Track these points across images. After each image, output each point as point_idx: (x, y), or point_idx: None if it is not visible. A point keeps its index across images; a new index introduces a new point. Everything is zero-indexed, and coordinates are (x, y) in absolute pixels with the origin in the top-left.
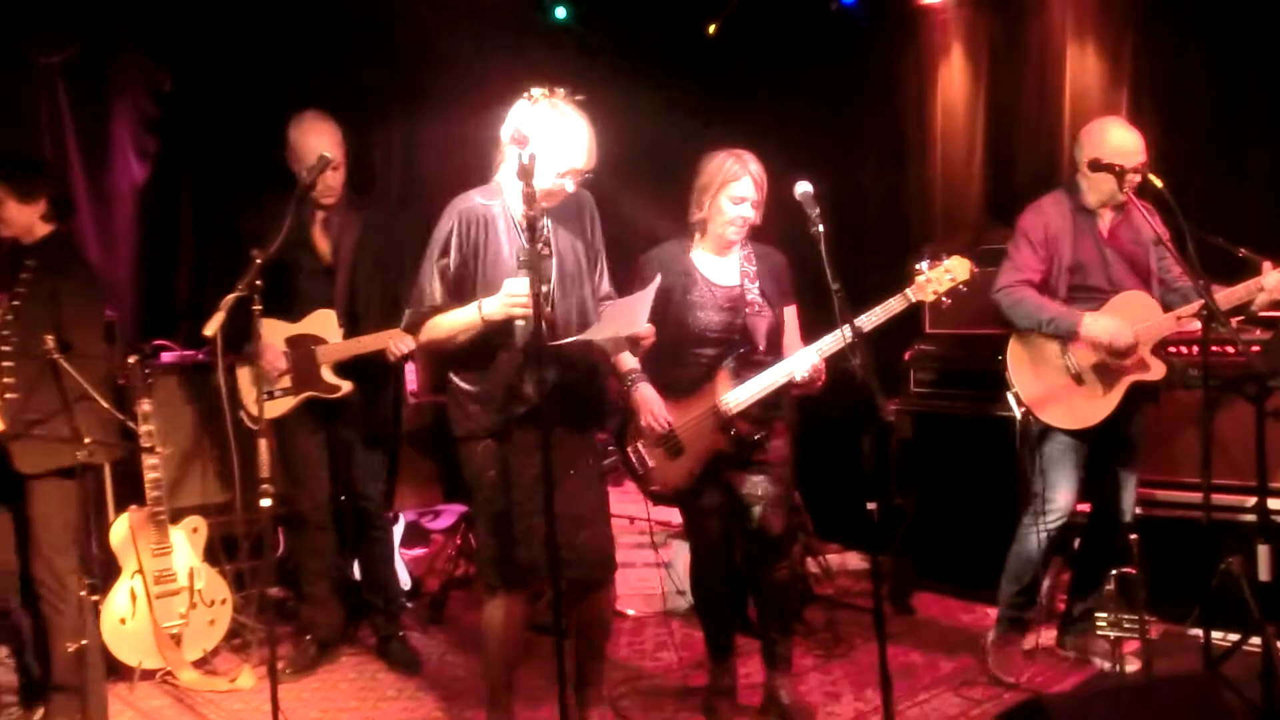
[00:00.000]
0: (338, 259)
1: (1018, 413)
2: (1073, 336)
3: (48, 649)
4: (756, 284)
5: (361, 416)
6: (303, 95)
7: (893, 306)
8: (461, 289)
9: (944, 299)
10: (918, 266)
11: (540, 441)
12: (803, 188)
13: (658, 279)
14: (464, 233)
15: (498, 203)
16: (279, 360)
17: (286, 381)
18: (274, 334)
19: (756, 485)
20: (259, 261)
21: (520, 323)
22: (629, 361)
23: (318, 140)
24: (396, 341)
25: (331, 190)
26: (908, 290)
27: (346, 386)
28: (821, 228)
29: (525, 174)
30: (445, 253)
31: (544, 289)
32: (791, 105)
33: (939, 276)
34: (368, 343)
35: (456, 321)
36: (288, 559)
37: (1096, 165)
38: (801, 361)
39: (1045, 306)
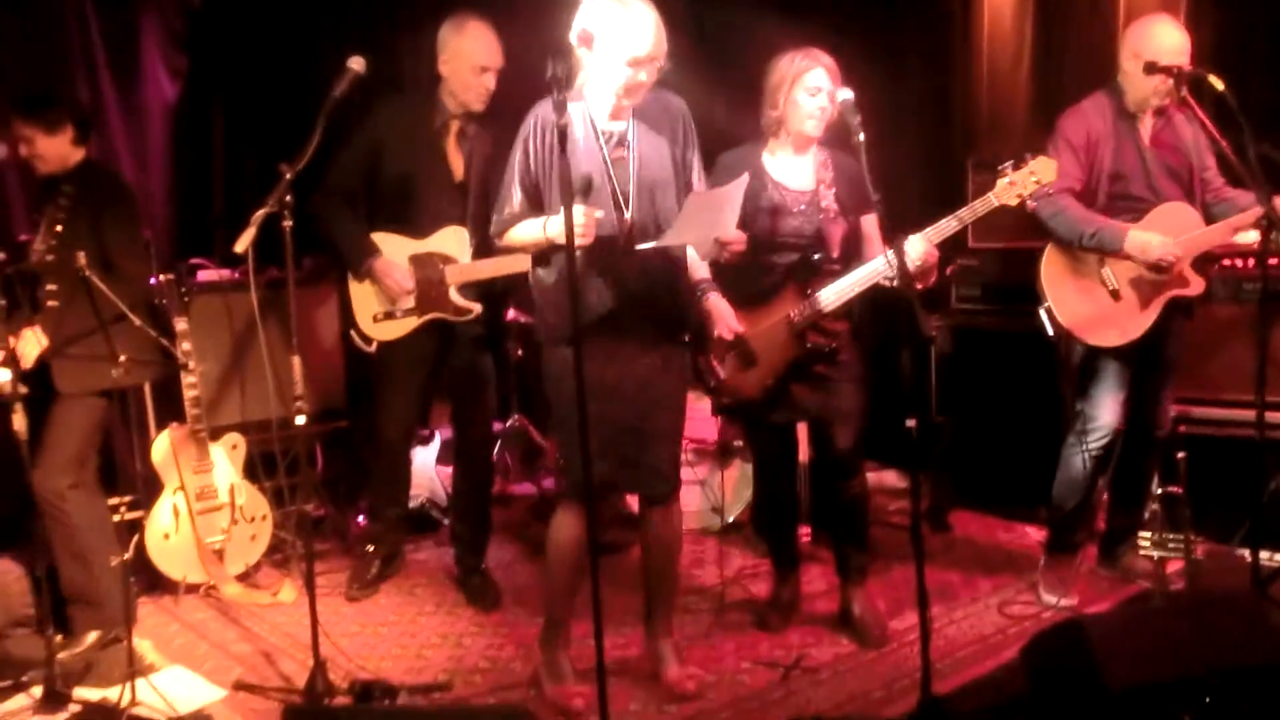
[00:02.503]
0: (469, 174)
1: (1049, 329)
2: (1117, 251)
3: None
4: (833, 190)
5: (481, 344)
6: (331, 6)
7: (977, 209)
8: (540, 195)
9: (1029, 200)
10: (1000, 168)
11: (615, 351)
12: (844, 94)
13: (744, 177)
14: (539, 138)
15: (577, 106)
16: (404, 279)
17: (410, 301)
18: (397, 251)
19: (828, 400)
20: (288, 177)
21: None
22: (700, 270)
23: (480, 46)
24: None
25: (481, 98)
26: (990, 194)
27: (476, 309)
28: (863, 136)
29: (556, 83)
30: (526, 158)
31: (627, 192)
32: (833, 11)
33: (1023, 179)
34: (506, 264)
35: (527, 235)
36: (330, 476)
37: (1152, 68)
38: (914, 248)
39: (1090, 219)
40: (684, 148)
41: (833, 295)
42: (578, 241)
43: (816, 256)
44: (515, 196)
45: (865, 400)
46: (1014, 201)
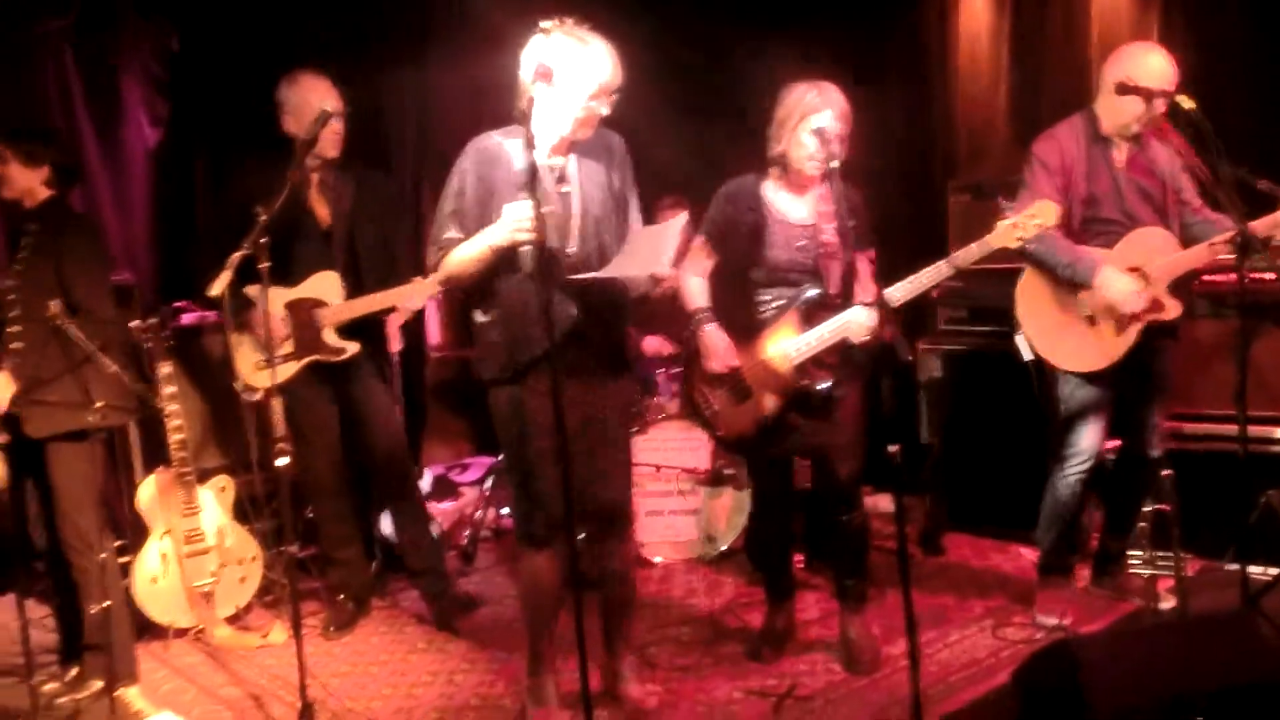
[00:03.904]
0: (335, 221)
1: (1026, 355)
2: (1088, 285)
3: (78, 611)
4: (833, 223)
5: (372, 376)
6: (311, 52)
7: (973, 253)
8: (479, 224)
9: (1028, 245)
10: (1002, 209)
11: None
12: (818, 121)
13: (683, 216)
14: (480, 169)
15: (516, 142)
16: (278, 326)
17: (288, 347)
18: (273, 300)
19: (827, 432)
20: (264, 219)
21: (526, 248)
22: (697, 300)
23: (316, 96)
24: (407, 298)
25: (335, 144)
26: (988, 237)
27: (353, 348)
28: (837, 163)
29: (524, 118)
30: (461, 190)
31: (570, 226)
32: (811, 36)
33: (1024, 221)
34: (378, 300)
35: (467, 254)
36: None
37: (1124, 88)
38: (858, 317)
39: (1068, 250)
40: (623, 183)
41: (800, 346)
42: (525, 237)
43: (814, 292)
44: (452, 227)
45: (864, 431)
46: (1014, 244)
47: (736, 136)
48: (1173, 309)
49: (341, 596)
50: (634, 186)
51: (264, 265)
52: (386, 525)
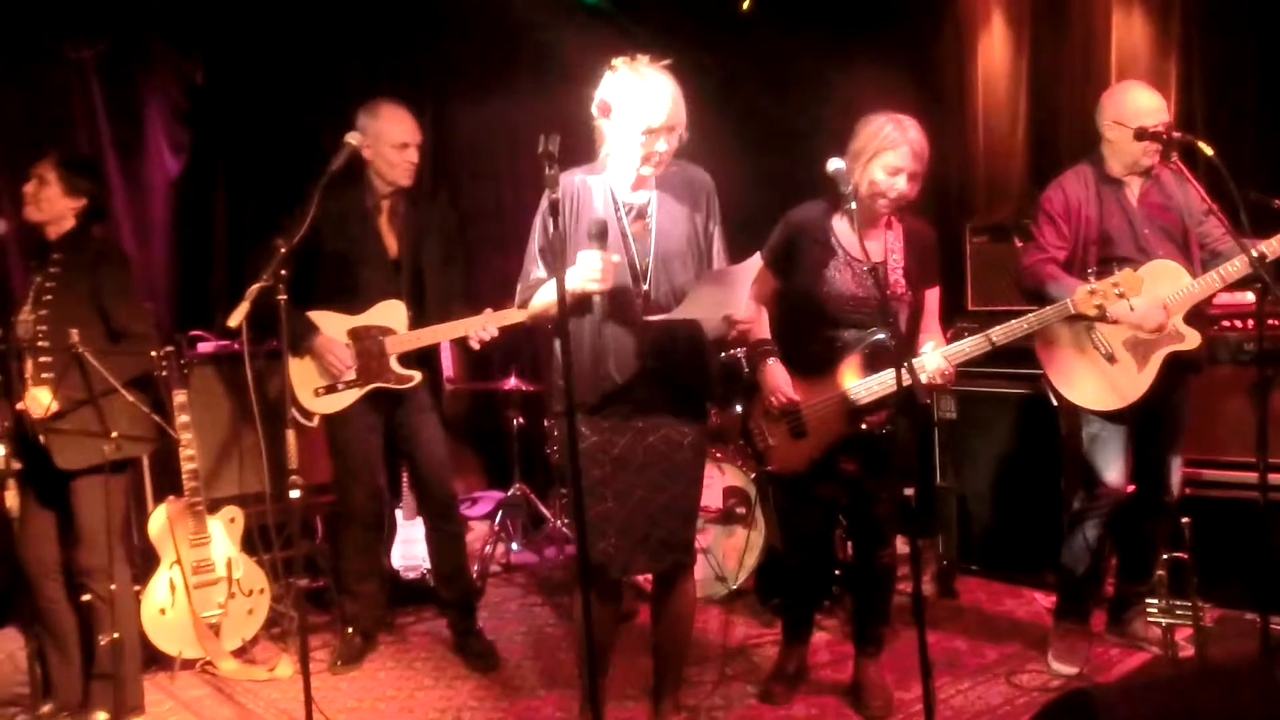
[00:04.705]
0: (403, 250)
1: (1054, 399)
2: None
3: (91, 641)
4: (901, 264)
5: (427, 405)
6: (333, 83)
7: (1047, 316)
8: (565, 264)
9: (1108, 315)
10: (1088, 273)
11: (628, 422)
12: (835, 164)
13: (756, 258)
14: (563, 207)
15: (599, 178)
16: (343, 354)
17: (352, 375)
18: (336, 326)
19: (875, 472)
20: (284, 251)
21: (597, 298)
22: (759, 331)
23: (392, 125)
24: (478, 328)
25: (408, 174)
26: (1068, 300)
27: (417, 376)
28: (855, 205)
29: (549, 158)
30: (546, 228)
31: (645, 265)
32: (828, 80)
33: (1105, 289)
34: (445, 331)
35: (548, 296)
36: (325, 549)
37: (1143, 134)
38: (929, 363)
39: (1070, 285)
40: (706, 219)
41: (863, 391)
42: (595, 286)
43: (881, 337)
44: (538, 266)
45: (909, 472)
46: (1093, 312)
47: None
48: (1192, 339)
49: (351, 630)
50: (719, 222)
51: (282, 298)
52: (396, 558)
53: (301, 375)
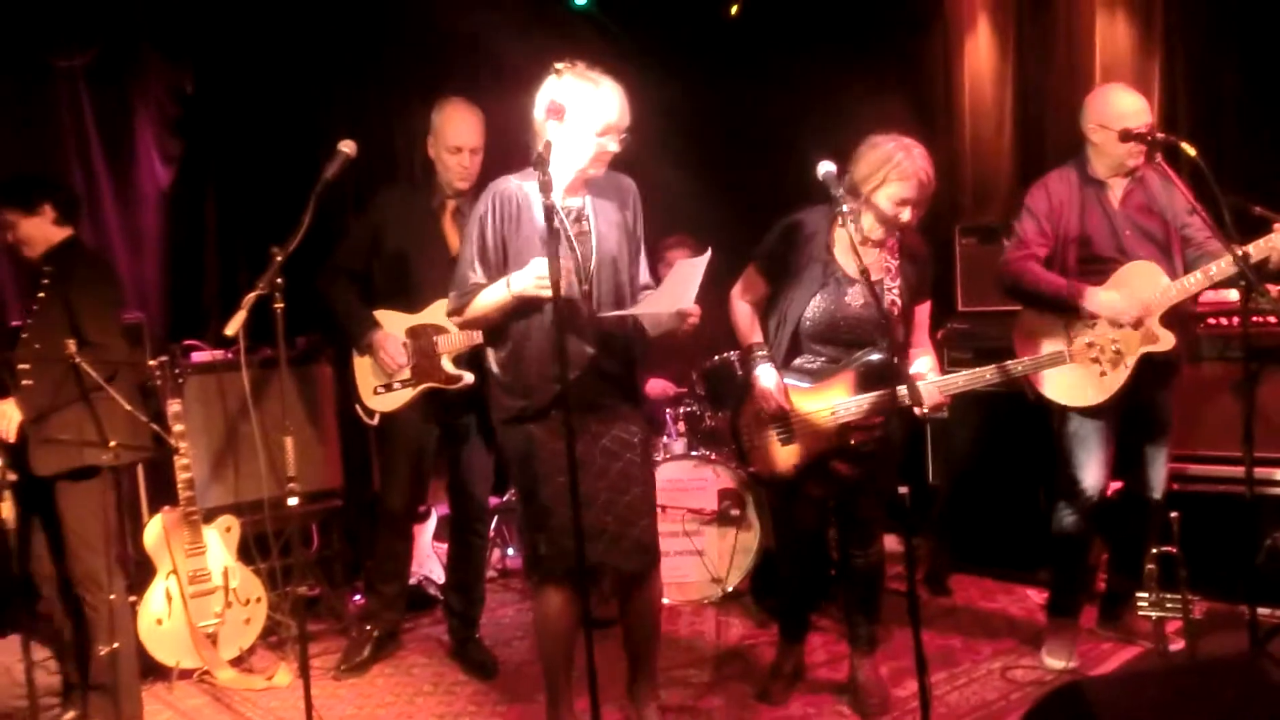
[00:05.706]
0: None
1: (1029, 395)
2: (1076, 309)
3: (87, 650)
4: (898, 281)
5: (479, 411)
6: (323, 93)
7: (1041, 363)
8: (501, 270)
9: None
10: (1090, 318)
11: (578, 425)
12: (825, 168)
13: (708, 254)
14: (499, 214)
15: (534, 183)
16: (399, 352)
17: (406, 374)
18: (396, 325)
19: (864, 473)
20: (279, 259)
21: (548, 305)
22: (752, 334)
23: (452, 126)
24: None
25: (464, 177)
26: (1065, 349)
27: (468, 378)
28: (846, 208)
29: (541, 163)
30: (483, 235)
31: (588, 266)
32: (815, 86)
33: (1103, 341)
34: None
35: (490, 300)
36: (325, 555)
37: (1128, 135)
38: (925, 392)
39: (1049, 280)
40: (634, 220)
41: (854, 409)
42: (549, 293)
43: (875, 357)
44: (475, 272)
45: (895, 475)
46: (1088, 365)
47: (739, 177)
48: (1166, 340)
49: (368, 627)
50: (643, 230)
51: (279, 305)
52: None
53: (363, 373)
